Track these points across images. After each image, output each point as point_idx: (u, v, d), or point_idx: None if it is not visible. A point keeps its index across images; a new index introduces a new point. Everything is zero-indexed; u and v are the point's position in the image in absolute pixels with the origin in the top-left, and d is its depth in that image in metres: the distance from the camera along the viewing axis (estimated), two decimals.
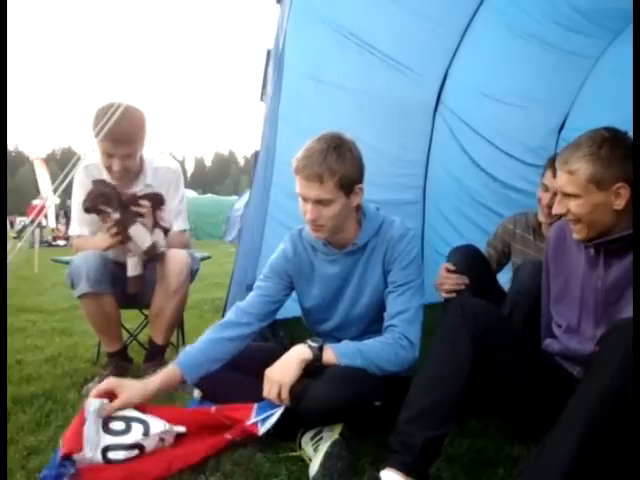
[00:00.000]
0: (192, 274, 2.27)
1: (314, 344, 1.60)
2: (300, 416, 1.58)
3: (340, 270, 1.80)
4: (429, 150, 3.60)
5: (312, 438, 1.54)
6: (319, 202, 1.61)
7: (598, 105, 3.36)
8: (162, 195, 2.22)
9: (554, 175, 2.06)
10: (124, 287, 2.23)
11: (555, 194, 2.06)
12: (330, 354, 1.59)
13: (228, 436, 1.58)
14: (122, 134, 2.03)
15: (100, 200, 2.08)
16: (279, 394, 1.56)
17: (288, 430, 1.61)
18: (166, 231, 2.22)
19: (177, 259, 2.17)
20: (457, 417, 1.33)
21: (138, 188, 2.27)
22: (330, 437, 1.49)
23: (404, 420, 1.30)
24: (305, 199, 1.64)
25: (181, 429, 1.58)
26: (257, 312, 1.79)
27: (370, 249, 1.76)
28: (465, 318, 1.37)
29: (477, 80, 3.37)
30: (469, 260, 2.20)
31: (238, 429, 1.59)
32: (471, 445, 1.58)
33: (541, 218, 2.23)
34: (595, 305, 1.48)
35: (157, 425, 1.53)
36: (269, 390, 1.58)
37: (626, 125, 1.43)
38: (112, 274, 2.19)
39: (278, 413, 1.57)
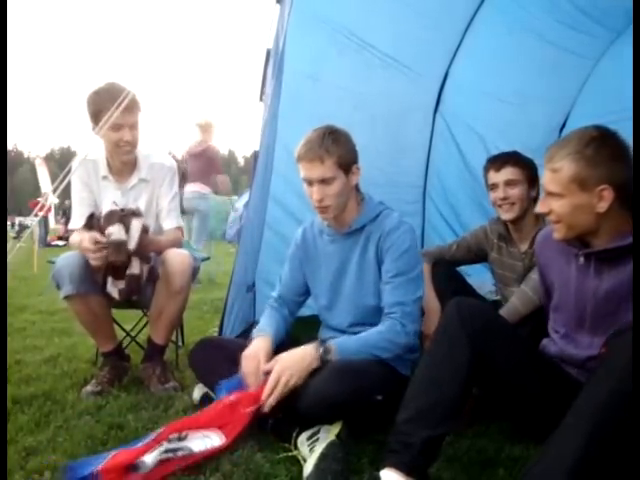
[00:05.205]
0: (193, 273, 2.23)
1: (321, 348, 1.65)
2: (301, 413, 1.58)
3: (339, 250, 1.86)
4: (429, 150, 3.59)
5: (308, 438, 1.54)
6: (322, 181, 1.73)
7: (600, 104, 3.35)
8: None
9: (496, 170, 2.14)
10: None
11: (508, 184, 2.11)
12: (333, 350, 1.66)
13: (247, 410, 1.59)
14: (132, 101, 2.05)
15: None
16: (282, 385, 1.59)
17: (287, 430, 1.60)
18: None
19: (180, 260, 2.12)
20: (456, 416, 1.32)
21: (132, 183, 2.30)
22: (326, 438, 1.49)
23: (403, 420, 1.30)
24: (310, 182, 1.76)
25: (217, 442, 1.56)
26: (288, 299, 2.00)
27: (366, 235, 1.82)
28: (462, 318, 1.36)
29: (478, 79, 3.36)
30: (449, 276, 2.30)
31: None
32: (471, 445, 1.58)
33: (502, 216, 2.18)
34: (590, 315, 1.45)
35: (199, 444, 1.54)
36: (278, 381, 1.59)
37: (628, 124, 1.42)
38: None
39: None
